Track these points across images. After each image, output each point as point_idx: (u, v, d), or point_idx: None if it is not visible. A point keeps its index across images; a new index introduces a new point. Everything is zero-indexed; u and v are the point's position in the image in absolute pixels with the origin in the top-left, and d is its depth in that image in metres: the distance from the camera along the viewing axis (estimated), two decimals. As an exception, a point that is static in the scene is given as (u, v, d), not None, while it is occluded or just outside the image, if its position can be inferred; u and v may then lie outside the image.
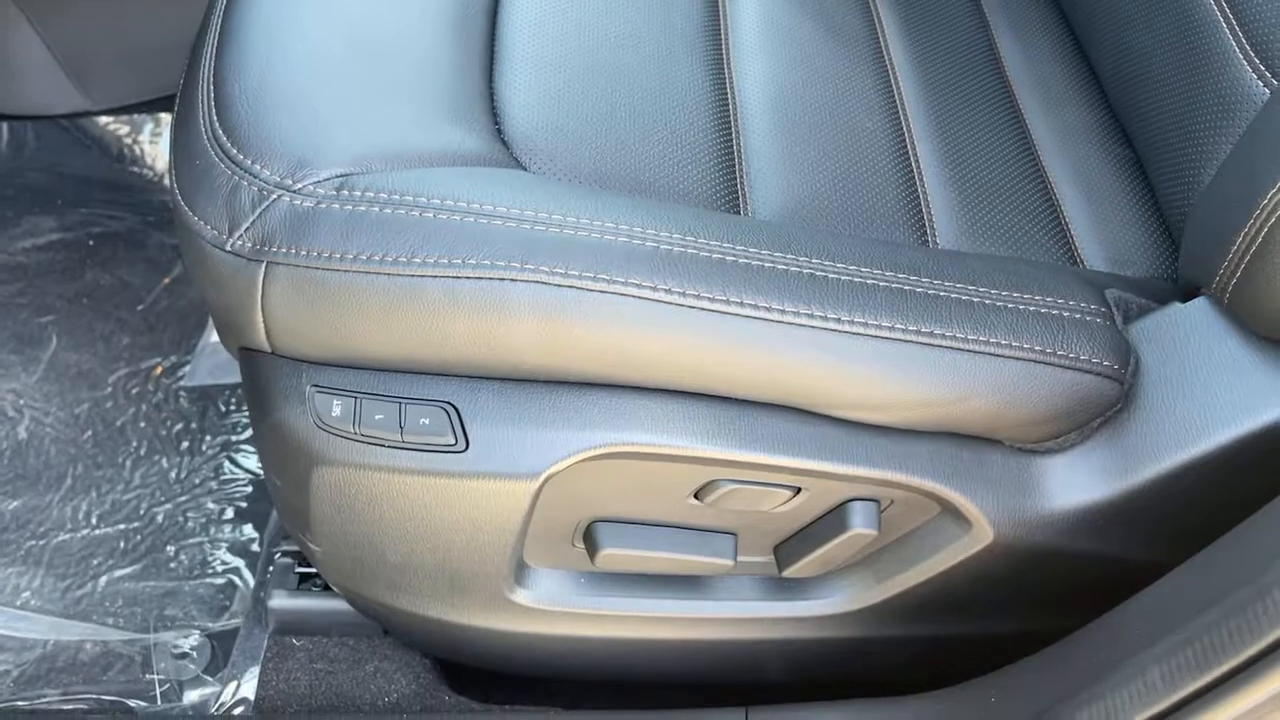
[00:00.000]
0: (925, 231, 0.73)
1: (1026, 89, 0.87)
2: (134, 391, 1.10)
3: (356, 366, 0.62)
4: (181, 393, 1.10)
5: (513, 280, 0.58)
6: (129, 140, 1.31)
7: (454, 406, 0.61)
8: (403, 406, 0.61)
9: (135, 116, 1.32)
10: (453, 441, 0.60)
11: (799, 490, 0.65)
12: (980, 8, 0.93)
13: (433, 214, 0.59)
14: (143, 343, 1.14)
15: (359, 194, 0.60)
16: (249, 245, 0.60)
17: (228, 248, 0.60)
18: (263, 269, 0.59)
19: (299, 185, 0.60)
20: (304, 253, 0.59)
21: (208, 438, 1.07)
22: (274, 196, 0.60)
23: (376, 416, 0.61)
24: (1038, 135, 0.83)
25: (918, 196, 0.75)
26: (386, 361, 0.61)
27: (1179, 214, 0.72)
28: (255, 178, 0.60)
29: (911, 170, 0.77)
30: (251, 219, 0.60)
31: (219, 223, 0.61)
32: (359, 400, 0.61)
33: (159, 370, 1.12)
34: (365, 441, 0.61)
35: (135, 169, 1.29)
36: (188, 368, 1.11)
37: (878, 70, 0.83)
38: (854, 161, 0.76)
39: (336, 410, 0.61)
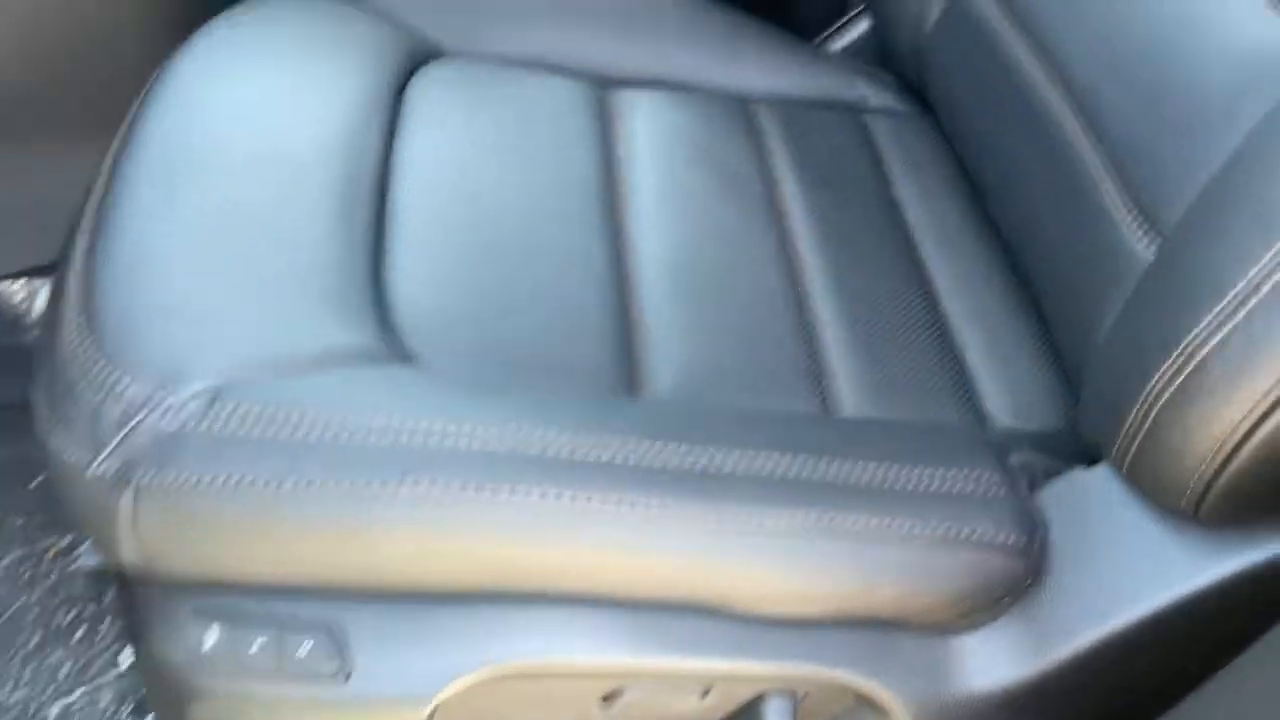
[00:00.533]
0: (825, 397, 0.72)
1: (926, 236, 0.87)
2: (26, 576, 1.05)
3: (234, 589, 0.59)
4: (78, 575, 1.05)
5: (392, 495, 0.55)
6: (22, 304, 1.27)
7: (336, 629, 0.58)
8: (281, 632, 0.57)
9: (32, 280, 1.29)
10: (335, 669, 0.57)
11: (710, 690, 0.63)
12: (878, 155, 0.93)
13: (304, 433, 0.56)
14: (36, 522, 1.09)
15: (229, 411, 0.57)
16: (114, 469, 0.57)
17: (92, 472, 0.57)
18: (130, 493, 0.56)
19: (166, 403, 0.57)
20: (172, 477, 0.56)
21: (105, 623, 1.02)
22: (139, 417, 0.57)
23: (255, 643, 0.57)
24: (939, 282, 0.83)
25: (818, 359, 0.74)
26: (265, 583, 0.58)
27: (1076, 369, 0.72)
28: (120, 396, 0.57)
29: (812, 330, 0.76)
30: (116, 441, 0.57)
31: (83, 445, 0.58)
32: (236, 626, 0.58)
33: (53, 553, 1.07)
34: (244, 671, 0.58)
35: (28, 335, 1.25)
36: (85, 545, 1.07)
37: (776, 225, 0.83)
38: (753, 325, 0.75)
39: (213, 638, 0.58)
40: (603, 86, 0.89)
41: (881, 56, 1.04)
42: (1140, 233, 0.66)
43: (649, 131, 0.87)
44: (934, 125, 0.97)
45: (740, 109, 0.93)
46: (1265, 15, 0.61)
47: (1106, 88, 0.70)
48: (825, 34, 1.06)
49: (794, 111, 0.95)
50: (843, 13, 1.06)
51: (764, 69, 0.97)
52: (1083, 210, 0.71)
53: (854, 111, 0.99)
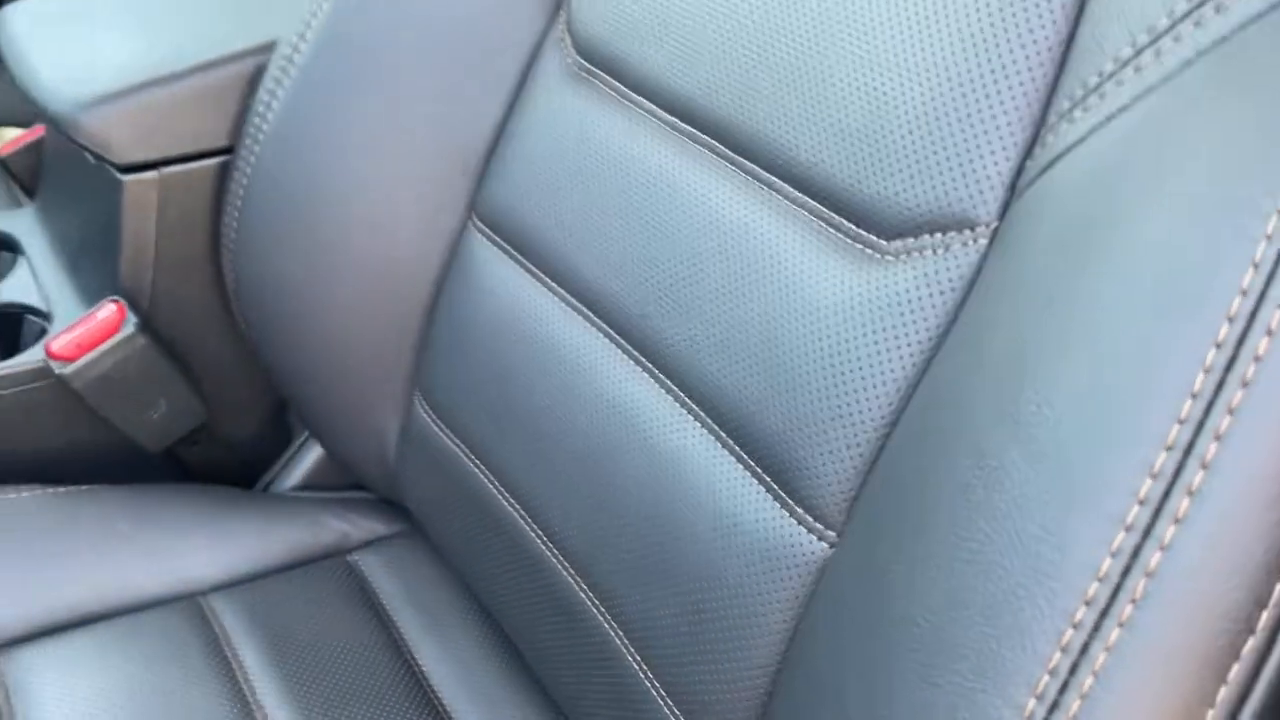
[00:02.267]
0: None
1: (446, 679, 0.74)
2: None
3: None
4: None
5: None
6: None
7: None
8: None
9: None
10: None
11: None
12: (373, 599, 0.79)
13: None
14: None
15: None
16: None
17: None
18: None
19: None
20: None
21: None
22: None
23: None
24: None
25: None
26: None
27: None
28: None
29: None
30: None
31: None
32: None
33: None
34: None
35: None
36: None
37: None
38: None
39: None
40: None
41: (350, 478, 0.91)
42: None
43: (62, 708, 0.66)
44: (428, 542, 0.85)
45: (191, 614, 0.76)
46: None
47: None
48: (274, 471, 0.92)
49: (259, 588, 0.79)
50: (289, 442, 0.92)
51: (210, 548, 0.81)
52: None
53: (335, 555, 0.85)
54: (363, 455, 0.83)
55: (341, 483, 0.91)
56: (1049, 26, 0.46)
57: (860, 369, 0.51)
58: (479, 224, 0.72)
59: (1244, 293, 0.36)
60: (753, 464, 0.55)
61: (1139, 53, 0.42)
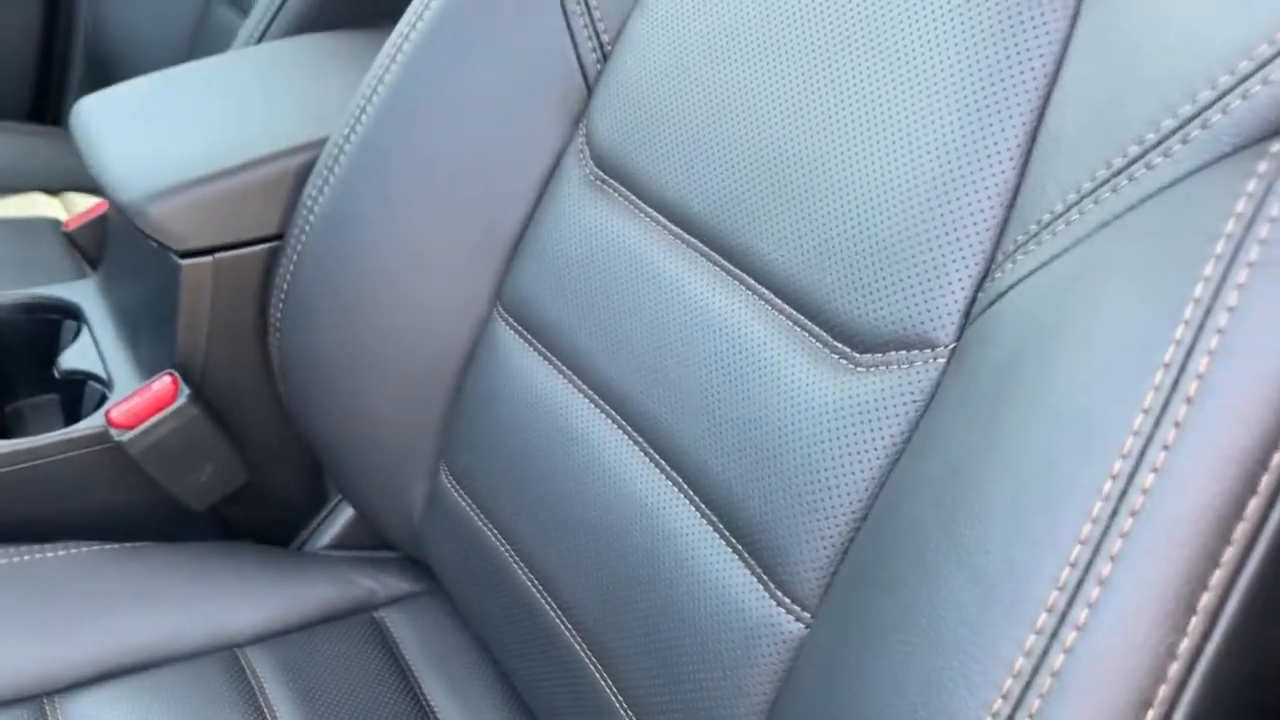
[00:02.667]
0: None
1: None
2: None
3: None
4: None
5: None
6: None
7: None
8: None
9: None
10: None
11: None
12: (396, 655, 0.84)
13: None
14: None
15: None
16: None
17: None
18: None
19: None
20: None
21: None
22: None
23: None
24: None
25: None
26: None
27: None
28: None
29: None
30: None
31: None
32: None
33: None
34: None
35: None
36: None
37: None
38: None
39: None
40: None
41: (379, 538, 0.97)
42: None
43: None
44: (450, 600, 0.91)
45: (228, 664, 0.82)
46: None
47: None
48: (309, 530, 0.98)
49: (292, 642, 0.85)
50: (323, 503, 0.99)
51: (247, 603, 0.87)
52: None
53: (363, 611, 0.90)
54: (391, 518, 0.89)
55: (372, 542, 0.97)
56: (999, 177, 0.53)
57: (834, 467, 0.56)
58: (504, 313, 0.79)
59: (1136, 433, 0.42)
60: (739, 547, 0.61)
61: (1068, 209, 0.49)
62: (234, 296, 0.86)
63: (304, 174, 0.85)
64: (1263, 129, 0.43)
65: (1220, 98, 0.45)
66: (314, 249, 0.82)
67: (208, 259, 0.84)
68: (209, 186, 0.83)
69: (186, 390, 0.86)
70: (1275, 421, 0.41)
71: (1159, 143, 0.46)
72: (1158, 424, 0.42)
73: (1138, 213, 0.46)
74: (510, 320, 0.78)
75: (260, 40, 1.16)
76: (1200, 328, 0.42)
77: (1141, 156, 0.46)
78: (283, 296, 0.84)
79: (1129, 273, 0.45)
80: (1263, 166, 0.43)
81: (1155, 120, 0.46)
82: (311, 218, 0.81)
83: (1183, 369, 0.42)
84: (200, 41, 1.41)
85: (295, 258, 0.83)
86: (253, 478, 0.94)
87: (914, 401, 0.54)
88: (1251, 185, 0.43)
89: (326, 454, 0.89)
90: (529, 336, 0.76)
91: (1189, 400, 0.41)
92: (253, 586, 0.88)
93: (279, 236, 0.86)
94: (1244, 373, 0.41)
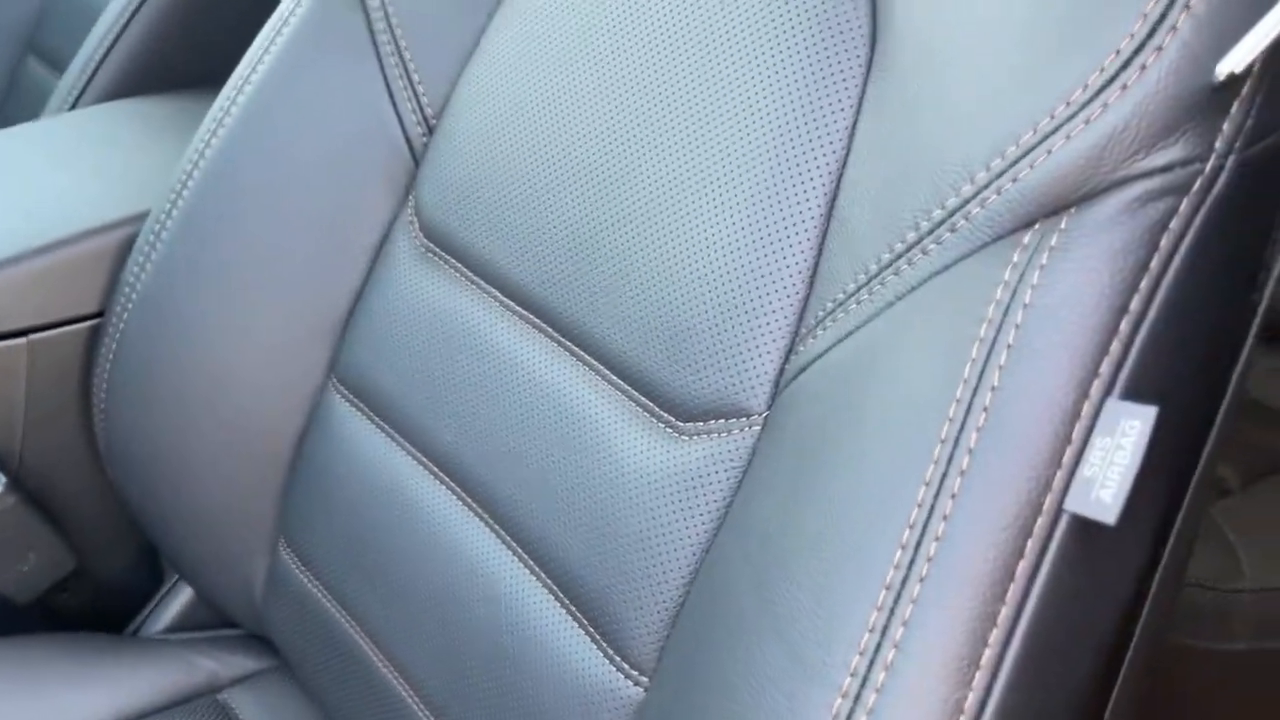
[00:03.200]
0: None
1: None
2: None
3: None
4: None
5: None
6: None
7: None
8: None
9: None
10: None
11: None
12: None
13: None
14: None
15: None
16: None
17: None
18: None
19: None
20: None
21: None
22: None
23: None
24: None
25: None
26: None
27: None
28: None
29: None
30: None
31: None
32: None
33: None
34: None
35: None
36: None
37: None
38: None
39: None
40: None
41: (221, 617, 0.94)
42: None
43: None
44: (297, 677, 0.89)
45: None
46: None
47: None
48: (146, 613, 0.94)
49: (133, 737, 0.82)
50: (159, 584, 0.95)
51: (82, 696, 0.83)
52: None
53: (206, 694, 0.87)
54: (231, 596, 0.86)
55: (213, 621, 0.94)
56: (798, 256, 0.56)
57: (664, 532, 0.58)
58: (339, 386, 0.78)
59: (919, 505, 0.45)
60: (579, 614, 0.61)
61: (859, 289, 0.52)
62: (53, 377, 0.83)
63: (124, 249, 0.82)
64: (1015, 221, 0.47)
65: (979, 192, 0.48)
66: (137, 327, 0.80)
67: (20, 341, 0.81)
68: (20, 266, 0.80)
69: (2, 478, 0.82)
70: (1037, 491, 0.44)
71: (931, 230, 0.49)
72: (938, 495, 0.45)
73: (919, 293, 0.49)
74: (346, 393, 0.77)
75: (77, 100, 1.12)
76: (969, 406, 0.45)
77: (918, 243, 0.50)
78: (106, 376, 0.81)
79: (914, 350, 0.48)
80: (1016, 256, 0.46)
81: (928, 209, 0.49)
82: (134, 295, 0.79)
83: (956, 443, 0.45)
84: (12, 100, 1.35)
85: (118, 336, 0.80)
86: (82, 563, 0.90)
87: (735, 468, 0.56)
88: (1008, 274, 0.46)
89: (159, 535, 0.86)
90: (366, 409, 0.75)
91: (962, 473, 0.45)
92: (87, 678, 0.84)
93: (100, 314, 0.84)
94: (1008, 446, 0.44)
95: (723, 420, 0.57)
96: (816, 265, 0.55)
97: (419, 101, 0.74)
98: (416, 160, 0.75)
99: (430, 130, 0.75)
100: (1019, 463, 0.44)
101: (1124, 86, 0.45)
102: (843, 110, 0.56)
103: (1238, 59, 0.43)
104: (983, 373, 0.45)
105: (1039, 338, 0.44)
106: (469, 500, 0.68)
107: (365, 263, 0.77)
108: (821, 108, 0.57)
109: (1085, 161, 0.45)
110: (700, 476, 0.57)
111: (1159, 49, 0.44)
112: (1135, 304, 0.44)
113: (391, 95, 0.75)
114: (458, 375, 0.69)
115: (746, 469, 0.55)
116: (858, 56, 0.56)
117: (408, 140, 0.75)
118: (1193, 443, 0.50)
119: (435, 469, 0.70)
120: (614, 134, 0.64)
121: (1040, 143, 0.46)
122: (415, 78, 0.75)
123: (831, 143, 0.56)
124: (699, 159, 0.59)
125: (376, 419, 0.75)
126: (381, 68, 0.75)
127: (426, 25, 0.75)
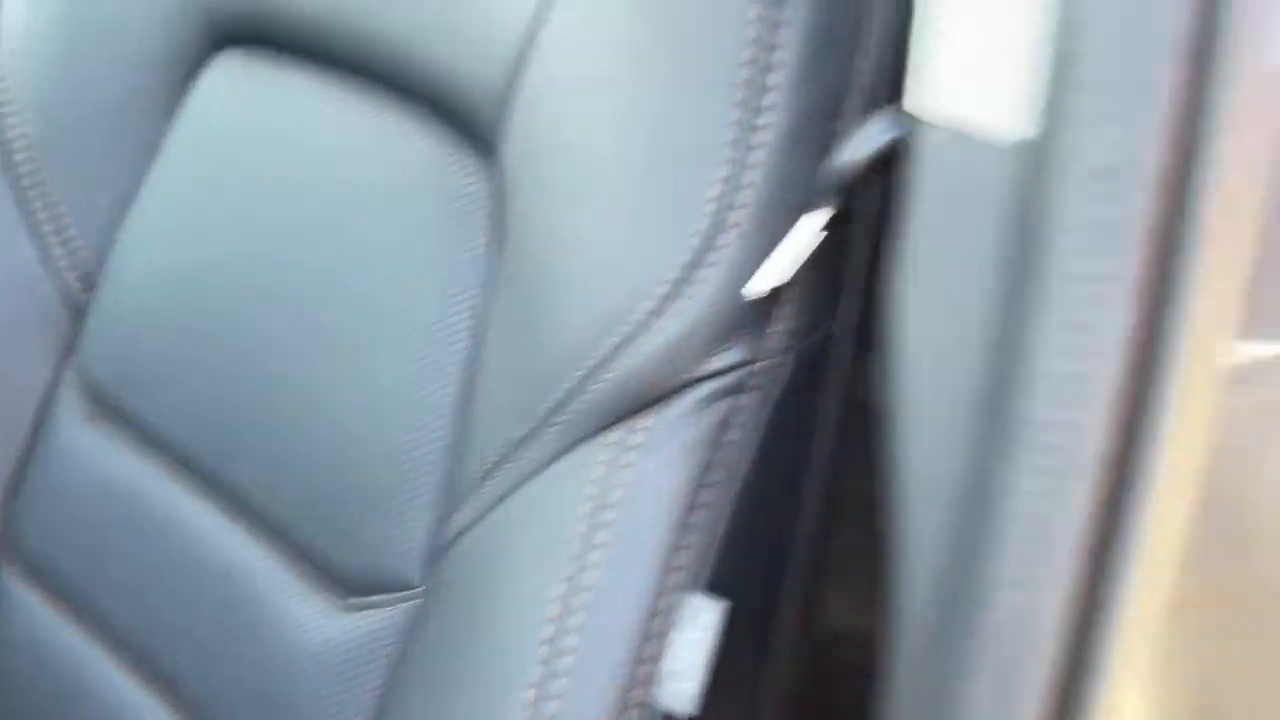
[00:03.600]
0: None
1: None
2: None
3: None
4: None
5: None
6: None
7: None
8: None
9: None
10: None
11: None
12: None
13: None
14: None
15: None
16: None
17: None
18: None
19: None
20: None
21: None
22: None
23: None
24: None
25: None
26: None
27: None
28: None
29: None
30: None
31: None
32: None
33: None
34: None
35: None
36: None
37: None
38: None
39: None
40: None
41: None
42: None
43: None
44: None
45: None
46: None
47: None
48: None
49: None
50: None
51: None
52: None
53: None
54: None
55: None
56: (440, 430, 0.57)
57: (335, 703, 0.59)
58: (11, 557, 0.74)
59: (529, 706, 0.47)
60: None
61: (495, 466, 0.53)
62: None
63: None
64: (603, 419, 0.49)
65: (579, 385, 0.50)
66: None
67: None
68: None
69: None
70: (629, 687, 0.47)
71: (546, 418, 0.51)
72: (543, 699, 0.47)
73: (539, 479, 0.51)
74: (17, 565, 0.74)
75: None
76: (567, 606, 0.48)
77: (534, 431, 0.52)
78: None
79: (529, 542, 0.50)
80: (605, 455, 0.49)
81: (542, 400, 0.52)
82: None
83: (556, 643, 0.47)
84: None
85: None
86: None
87: (398, 639, 0.57)
88: (601, 471, 0.49)
89: None
90: (35, 582, 0.73)
91: (566, 674, 0.47)
92: None
93: None
94: (602, 646, 0.47)
95: (385, 594, 0.58)
96: (460, 437, 0.56)
97: (74, 258, 0.73)
98: (75, 320, 0.74)
99: (89, 287, 0.74)
100: (612, 661, 0.47)
101: (689, 298, 0.48)
102: (474, 285, 0.58)
103: (777, 272, 0.47)
104: (579, 572, 0.48)
105: (627, 536, 0.48)
106: (148, 681, 0.67)
107: (29, 428, 0.74)
108: (455, 282, 0.58)
109: (659, 363, 0.48)
110: (364, 649, 0.58)
111: (714, 265, 0.48)
112: (709, 497, 0.48)
113: (45, 252, 0.73)
114: (124, 546, 0.68)
115: (410, 641, 0.56)
116: (484, 229, 0.59)
117: (64, 298, 0.73)
118: (763, 626, 0.54)
119: (114, 648, 0.69)
120: (263, 303, 0.64)
121: (624, 344, 0.49)
122: (69, 230, 0.74)
123: (469, 320, 0.57)
124: (338, 335, 0.61)
125: (49, 593, 0.72)
126: (30, 224, 0.73)
127: (78, 183, 0.73)
